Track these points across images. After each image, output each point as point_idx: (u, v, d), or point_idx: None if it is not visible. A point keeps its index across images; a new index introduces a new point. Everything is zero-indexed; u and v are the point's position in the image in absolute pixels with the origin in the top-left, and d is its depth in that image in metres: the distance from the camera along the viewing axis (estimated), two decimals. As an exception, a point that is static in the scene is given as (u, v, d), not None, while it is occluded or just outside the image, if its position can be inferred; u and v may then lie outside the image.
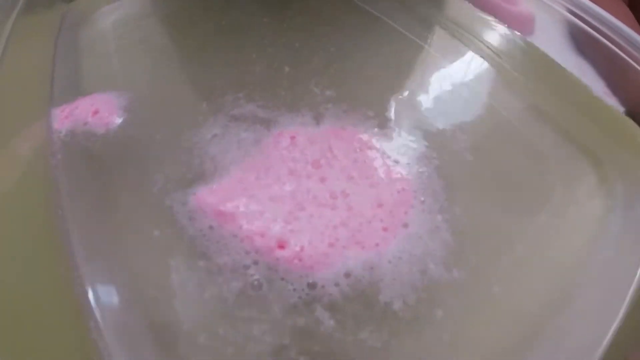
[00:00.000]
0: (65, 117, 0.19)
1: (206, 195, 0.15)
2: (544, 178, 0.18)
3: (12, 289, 0.14)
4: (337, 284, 0.14)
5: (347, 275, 0.14)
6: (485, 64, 0.22)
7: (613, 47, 0.23)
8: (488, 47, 0.24)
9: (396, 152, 0.17)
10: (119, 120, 0.19)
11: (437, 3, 0.26)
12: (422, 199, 0.16)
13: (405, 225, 0.15)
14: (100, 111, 0.19)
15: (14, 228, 0.16)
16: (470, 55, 0.23)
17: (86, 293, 0.14)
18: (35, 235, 0.16)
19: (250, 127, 0.17)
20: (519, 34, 0.24)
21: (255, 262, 0.14)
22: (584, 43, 0.25)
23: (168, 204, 0.15)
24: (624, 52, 0.22)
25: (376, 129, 0.18)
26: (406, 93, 0.20)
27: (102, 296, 0.14)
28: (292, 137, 0.17)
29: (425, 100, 0.20)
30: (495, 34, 0.24)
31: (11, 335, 0.13)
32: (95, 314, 0.14)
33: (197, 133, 0.17)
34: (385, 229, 0.15)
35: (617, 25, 0.22)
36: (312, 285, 0.14)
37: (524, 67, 0.23)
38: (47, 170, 0.17)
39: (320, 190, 0.16)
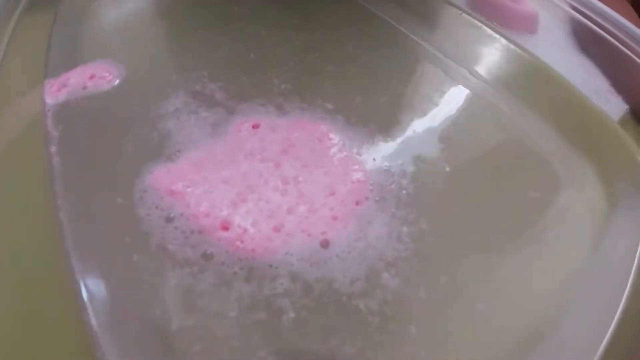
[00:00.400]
0: (58, 90, 0.19)
1: (161, 175, 0.16)
2: (536, 185, 0.17)
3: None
4: (276, 270, 0.14)
5: (289, 262, 0.14)
6: (475, 77, 0.22)
7: (617, 44, 0.22)
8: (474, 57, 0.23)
9: (358, 147, 0.17)
10: (117, 80, 0.20)
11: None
12: (380, 195, 0.16)
13: (358, 217, 0.15)
14: (96, 75, 0.20)
15: (6, 209, 0.16)
16: (453, 65, 0.22)
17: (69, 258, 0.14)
18: (28, 216, 0.16)
19: (211, 108, 0.18)
20: (511, 44, 0.23)
21: (196, 245, 0.14)
22: (587, 41, 0.24)
23: (128, 180, 0.16)
24: (629, 49, 0.21)
25: (339, 124, 0.18)
26: (378, 92, 0.20)
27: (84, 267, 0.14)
28: (255, 126, 0.17)
29: (404, 102, 0.20)
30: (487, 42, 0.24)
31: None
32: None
33: (163, 105, 0.18)
34: (334, 218, 0.15)
35: (621, 22, 0.21)
36: (250, 270, 0.14)
37: (515, 79, 0.22)
38: (40, 144, 0.18)
39: (272, 175, 0.16)
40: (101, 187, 0.16)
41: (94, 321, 0.13)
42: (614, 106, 0.21)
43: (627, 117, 0.21)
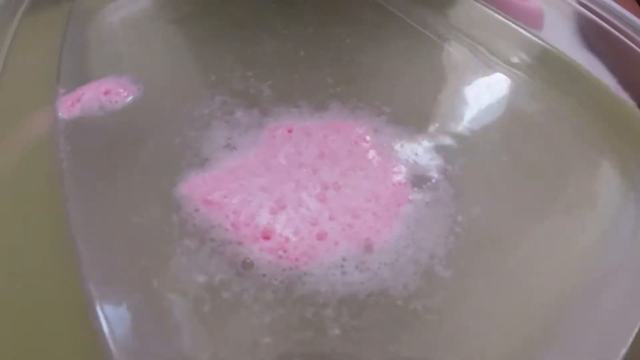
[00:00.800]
0: (72, 105, 0.18)
1: (197, 184, 0.15)
2: (562, 175, 0.17)
3: (14, 277, 0.14)
4: (324, 279, 0.14)
5: (335, 270, 0.14)
6: (499, 66, 0.22)
7: (624, 39, 0.22)
8: (498, 49, 0.23)
9: (397, 146, 0.17)
10: (130, 98, 0.19)
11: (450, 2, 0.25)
12: (423, 195, 0.16)
13: (401, 220, 0.15)
14: (111, 91, 0.19)
15: (17, 229, 0.16)
16: (481, 58, 0.22)
17: (86, 280, 0.14)
18: (40, 226, 0.15)
19: (248, 109, 0.17)
20: (529, 34, 0.23)
21: (238, 254, 0.14)
22: (593, 37, 0.24)
23: (162, 188, 0.15)
24: (636, 44, 0.22)
25: (379, 124, 0.17)
26: (417, 91, 0.20)
27: (99, 275, 0.14)
28: (289, 130, 0.17)
29: (436, 99, 0.20)
30: (507, 34, 0.24)
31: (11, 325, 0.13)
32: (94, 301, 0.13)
33: (197, 106, 0.17)
34: (377, 222, 0.15)
35: (628, 17, 0.22)
36: (293, 281, 0.13)
37: (535, 68, 0.22)
38: (52, 157, 0.17)
39: (311, 181, 0.15)
40: (118, 205, 0.15)
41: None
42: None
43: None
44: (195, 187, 0.15)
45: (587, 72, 0.21)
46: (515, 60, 0.22)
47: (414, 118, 0.18)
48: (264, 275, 0.13)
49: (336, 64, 0.20)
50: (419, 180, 0.16)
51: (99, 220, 0.15)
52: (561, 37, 0.24)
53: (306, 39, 0.21)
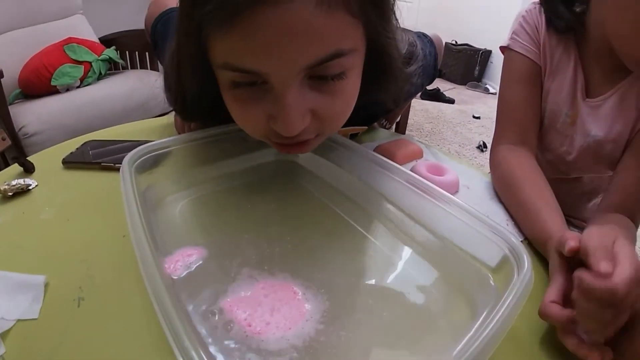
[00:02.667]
0: (174, 264, 0.49)
1: (228, 303, 0.45)
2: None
3: None
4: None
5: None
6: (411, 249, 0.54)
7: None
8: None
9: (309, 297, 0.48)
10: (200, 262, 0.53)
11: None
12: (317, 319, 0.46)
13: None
14: (192, 255, 0.52)
15: None
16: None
17: None
18: None
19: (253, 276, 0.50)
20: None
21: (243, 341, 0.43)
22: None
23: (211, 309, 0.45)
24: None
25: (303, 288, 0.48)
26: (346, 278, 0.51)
27: None
28: (262, 287, 0.47)
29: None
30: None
31: None
32: None
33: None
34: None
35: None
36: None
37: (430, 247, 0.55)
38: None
39: (273, 307, 0.44)
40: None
41: None
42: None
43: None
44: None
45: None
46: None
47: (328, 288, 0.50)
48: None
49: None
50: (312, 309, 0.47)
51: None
52: (476, 194, 0.62)
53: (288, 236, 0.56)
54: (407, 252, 0.55)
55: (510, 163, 0.75)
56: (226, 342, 0.40)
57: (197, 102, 0.59)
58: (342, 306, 0.45)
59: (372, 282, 0.51)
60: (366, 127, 0.88)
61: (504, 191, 0.74)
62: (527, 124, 0.82)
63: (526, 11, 0.82)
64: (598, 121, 0.79)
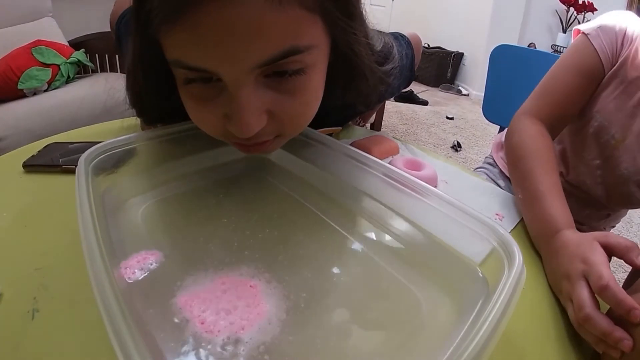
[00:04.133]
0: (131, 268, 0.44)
1: (185, 301, 0.41)
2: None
3: None
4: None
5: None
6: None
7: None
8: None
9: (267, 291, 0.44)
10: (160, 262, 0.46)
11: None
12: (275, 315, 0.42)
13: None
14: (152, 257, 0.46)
15: None
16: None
17: None
18: None
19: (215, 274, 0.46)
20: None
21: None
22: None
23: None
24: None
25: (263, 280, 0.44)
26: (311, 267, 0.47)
27: None
28: (223, 282, 0.43)
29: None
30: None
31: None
32: None
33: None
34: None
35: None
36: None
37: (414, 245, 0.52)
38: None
39: (229, 306, 0.39)
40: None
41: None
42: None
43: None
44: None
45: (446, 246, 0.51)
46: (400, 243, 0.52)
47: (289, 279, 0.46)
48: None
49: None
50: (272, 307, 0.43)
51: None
52: (459, 187, 0.59)
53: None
54: (387, 248, 0.52)
55: (530, 136, 0.74)
56: (180, 344, 0.36)
57: (156, 102, 0.56)
58: (312, 306, 0.41)
59: (350, 280, 0.47)
60: (340, 128, 0.85)
61: (515, 162, 0.73)
62: (564, 111, 0.81)
63: (623, 19, 0.79)
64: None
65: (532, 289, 0.52)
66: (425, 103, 4.20)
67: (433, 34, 5.07)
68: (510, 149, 0.76)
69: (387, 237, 0.53)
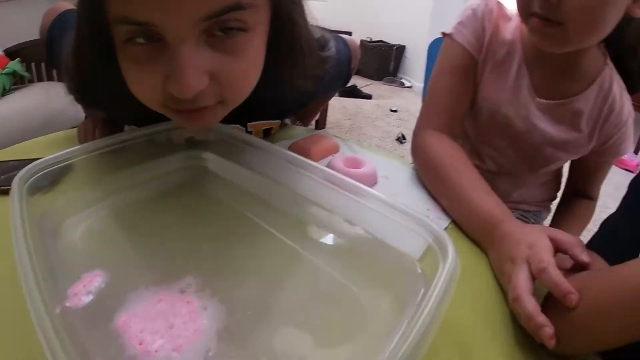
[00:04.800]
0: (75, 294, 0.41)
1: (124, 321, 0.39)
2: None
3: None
4: None
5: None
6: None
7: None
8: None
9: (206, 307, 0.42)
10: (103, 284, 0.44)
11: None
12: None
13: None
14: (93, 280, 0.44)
15: None
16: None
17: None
18: None
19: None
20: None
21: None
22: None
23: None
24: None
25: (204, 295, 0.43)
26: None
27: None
28: (160, 300, 0.42)
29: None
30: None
31: None
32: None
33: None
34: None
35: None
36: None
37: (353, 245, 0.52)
38: None
39: (167, 324, 0.38)
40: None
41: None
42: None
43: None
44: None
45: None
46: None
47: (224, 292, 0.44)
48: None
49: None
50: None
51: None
52: (400, 182, 0.60)
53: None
54: (328, 251, 0.52)
55: (435, 148, 0.74)
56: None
57: (99, 82, 0.57)
58: (254, 319, 0.41)
59: (292, 285, 0.47)
60: (279, 122, 0.85)
61: (431, 177, 0.73)
62: (455, 113, 0.82)
63: (477, 5, 0.81)
64: (545, 123, 0.82)
65: (473, 279, 0.54)
66: (369, 97, 4.25)
67: (375, 28, 5.13)
68: (422, 166, 0.77)
69: (329, 241, 0.53)
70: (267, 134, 0.83)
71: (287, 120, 0.95)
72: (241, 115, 0.59)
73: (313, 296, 0.46)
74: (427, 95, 0.85)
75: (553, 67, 0.78)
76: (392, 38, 5.02)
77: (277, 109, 0.82)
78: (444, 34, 0.84)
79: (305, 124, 1.08)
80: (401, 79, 4.98)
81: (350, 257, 0.51)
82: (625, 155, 3.79)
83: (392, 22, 4.96)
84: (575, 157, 0.90)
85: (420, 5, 4.42)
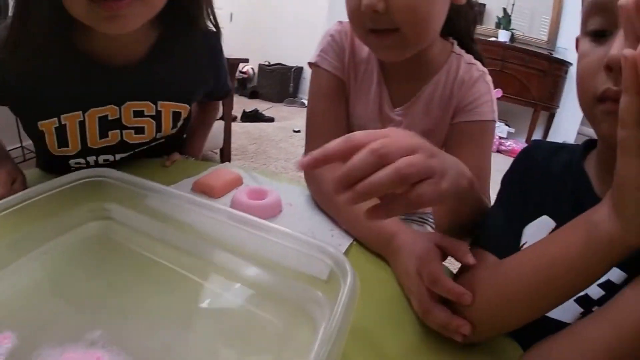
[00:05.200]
0: None
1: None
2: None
3: None
4: None
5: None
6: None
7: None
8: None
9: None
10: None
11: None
12: None
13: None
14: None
15: None
16: None
17: None
18: None
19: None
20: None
21: None
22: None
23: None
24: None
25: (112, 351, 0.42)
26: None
27: None
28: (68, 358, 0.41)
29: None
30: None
31: None
32: None
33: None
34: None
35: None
36: None
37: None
38: None
39: None
40: None
41: None
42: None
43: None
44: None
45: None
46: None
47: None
48: None
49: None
50: None
51: None
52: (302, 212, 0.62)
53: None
54: (240, 288, 0.54)
55: (323, 175, 0.77)
56: None
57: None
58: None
59: (210, 327, 0.48)
60: (188, 107, 0.90)
61: (325, 202, 0.77)
62: (334, 135, 0.84)
63: (334, 30, 0.87)
64: (409, 126, 0.86)
65: (379, 287, 0.60)
66: (271, 120, 4.30)
67: (273, 51, 5.24)
68: (315, 193, 0.82)
69: (241, 278, 0.55)
70: (176, 118, 0.88)
71: (180, 157, 0.95)
72: (151, 93, 0.77)
73: (224, 333, 0.48)
74: (307, 123, 0.89)
75: (407, 73, 0.83)
76: (290, 60, 5.14)
77: (182, 88, 0.87)
78: (310, 63, 0.89)
79: (196, 156, 1.09)
80: (301, 99, 5.10)
81: (263, 290, 0.53)
82: (517, 145, 4.11)
83: (288, 45, 5.09)
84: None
85: (314, 26, 4.57)
